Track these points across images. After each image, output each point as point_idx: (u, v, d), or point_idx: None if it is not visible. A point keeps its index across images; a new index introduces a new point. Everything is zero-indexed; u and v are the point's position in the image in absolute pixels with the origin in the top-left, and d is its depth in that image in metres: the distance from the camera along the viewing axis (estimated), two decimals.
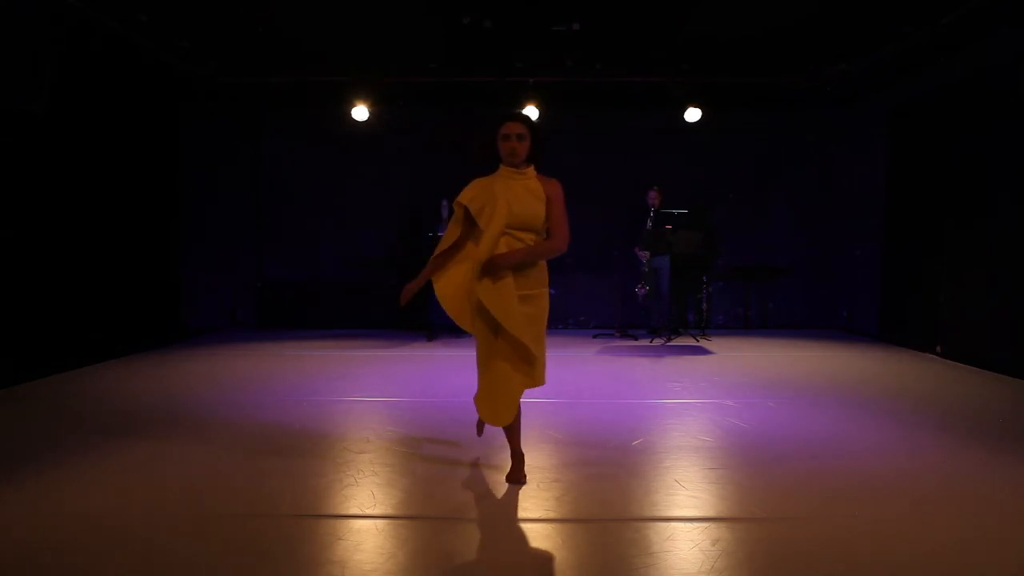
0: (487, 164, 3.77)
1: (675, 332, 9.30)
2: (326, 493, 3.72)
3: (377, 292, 10.46)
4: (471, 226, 3.67)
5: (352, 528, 3.28)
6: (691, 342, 9.14)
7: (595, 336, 9.78)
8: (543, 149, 3.74)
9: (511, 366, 3.59)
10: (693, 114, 9.58)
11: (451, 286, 3.73)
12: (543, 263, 3.72)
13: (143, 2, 6.80)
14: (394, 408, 5.61)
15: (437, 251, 3.73)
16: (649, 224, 9.26)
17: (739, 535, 3.18)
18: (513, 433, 3.82)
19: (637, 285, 9.57)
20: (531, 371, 3.63)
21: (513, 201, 3.59)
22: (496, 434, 4.23)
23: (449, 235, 3.71)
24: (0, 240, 6.23)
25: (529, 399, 5.75)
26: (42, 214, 6.75)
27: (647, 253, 9.27)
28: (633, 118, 10.34)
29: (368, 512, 3.44)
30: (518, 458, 3.86)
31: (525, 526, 3.31)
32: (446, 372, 7.18)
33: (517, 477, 3.82)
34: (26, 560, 2.95)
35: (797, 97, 9.69)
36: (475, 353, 3.74)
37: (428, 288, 3.83)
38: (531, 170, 3.70)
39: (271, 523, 3.31)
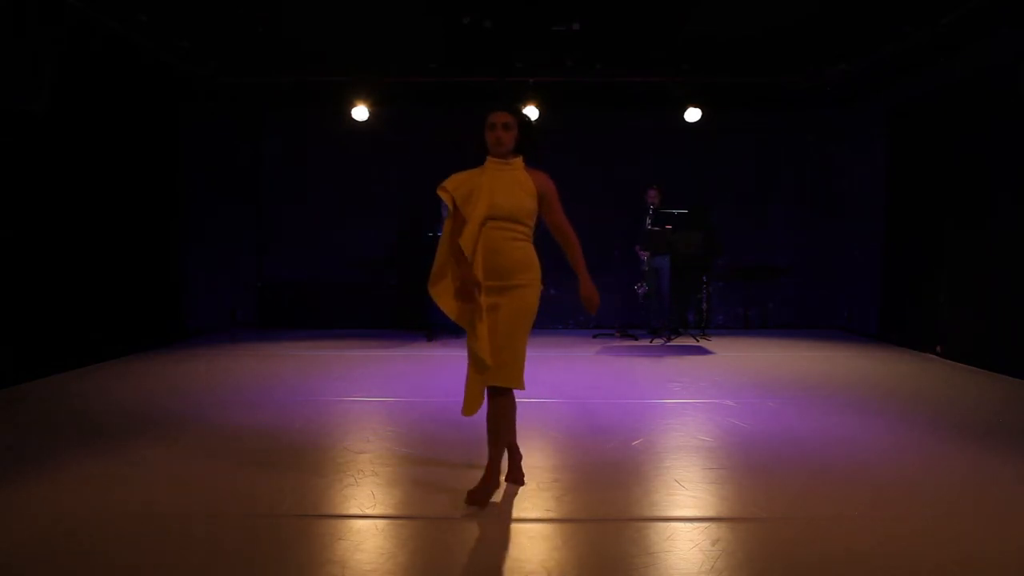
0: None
1: (675, 332, 9.29)
2: (326, 493, 3.72)
3: (377, 292, 10.47)
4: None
5: (352, 528, 3.28)
6: (691, 342, 9.13)
7: (595, 336, 9.78)
8: (534, 141, 3.67)
9: (473, 364, 3.53)
10: (693, 114, 9.58)
11: (449, 291, 3.65)
12: (532, 251, 3.61)
13: (143, 2, 6.80)
14: (394, 408, 5.61)
15: (440, 246, 3.67)
16: (648, 223, 9.26)
17: (739, 535, 3.18)
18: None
19: (636, 283, 9.57)
20: (491, 371, 3.48)
21: (497, 191, 3.53)
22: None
23: (447, 228, 3.64)
24: (0, 240, 6.23)
25: (530, 399, 5.78)
26: (42, 214, 6.74)
27: (647, 253, 9.28)
28: (633, 118, 10.33)
29: (368, 512, 3.44)
30: (512, 458, 3.84)
31: (525, 526, 3.31)
32: (446, 372, 7.17)
33: (515, 476, 3.81)
34: (25, 560, 2.94)
35: (797, 97, 9.69)
36: None
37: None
38: (518, 161, 3.66)
39: (271, 523, 3.31)
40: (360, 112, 9.44)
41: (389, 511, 3.47)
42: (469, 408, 3.54)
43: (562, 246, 3.74)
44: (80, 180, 7.31)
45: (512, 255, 3.54)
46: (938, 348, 7.87)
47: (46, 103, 6.47)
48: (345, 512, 3.48)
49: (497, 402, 3.58)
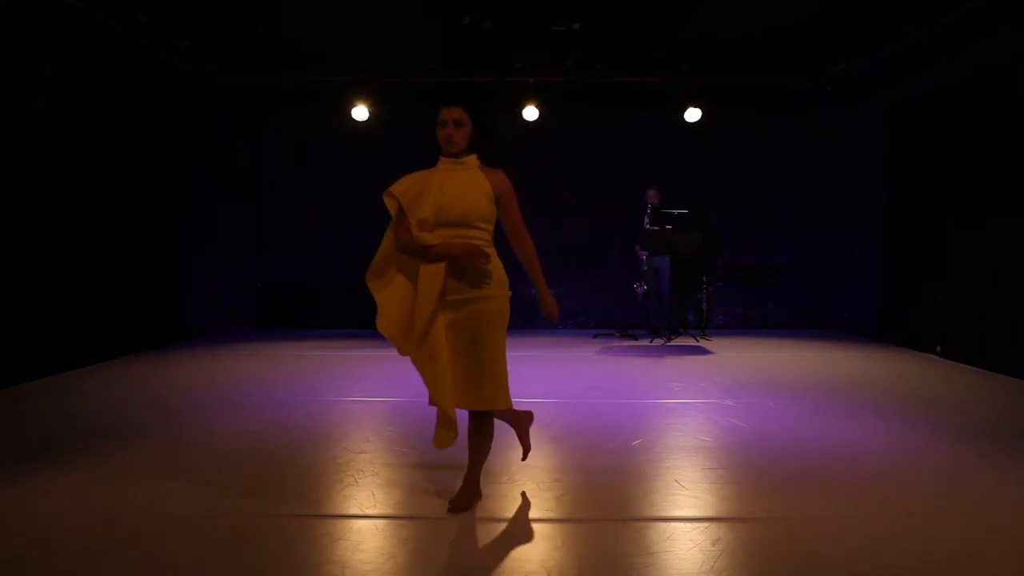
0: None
1: (675, 332, 9.29)
2: (326, 493, 3.72)
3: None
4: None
5: (352, 528, 3.28)
6: (691, 342, 9.13)
7: (595, 336, 9.77)
8: (493, 138, 3.43)
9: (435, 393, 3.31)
10: (693, 114, 9.58)
11: (393, 304, 3.39)
12: (495, 259, 3.33)
13: (143, 2, 6.80)
14: (394, 408, 5.61)
15: (379, 256, 3.40)
16: (647, 222, 9.26)
17: (739, 535, 3.18)
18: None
19: (635, 283, 9.57)
20: (471, 395, 3.30)
21: (446, 194, 3.27)
22: (497, 436, 4.21)
23: (389, 235, 3.39)
24: (0, 240, 6.23)
25: (530, 399, 5.78)
26: (42, 214, 6.75)
27: (647, 252, 9.28)
28: (633, 118, 10.33)
29: (368, 512, 3.44)
30: (519, 424, 3.67)
31: (525, 526, 3.31)
32: None
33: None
34: (23, 560, 2.94)
35: (797, 97, 9.70)
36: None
37: None
38: (472, 160, 3.38)
39: (271, 523, 3.31)
40: (360, 112, 9.44)
41: (389, 511, 3.47)
42: (440, 440, 3.28)
43: (517, 253, 3.44)
44: (80, 180, 7.31)
45: (462, 265, 3.25)
46: (938, 348, 7.87)
47: (46, 103, 6.47)
48: (345, 512, 3.48)
49: (480, 422, 3.42)
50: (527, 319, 10.40)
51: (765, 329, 10.62)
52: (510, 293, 3.40)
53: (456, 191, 3.29)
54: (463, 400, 3.32)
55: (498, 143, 3.50)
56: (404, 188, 3.35)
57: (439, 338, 3.28)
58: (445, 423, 3.29)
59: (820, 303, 10.75)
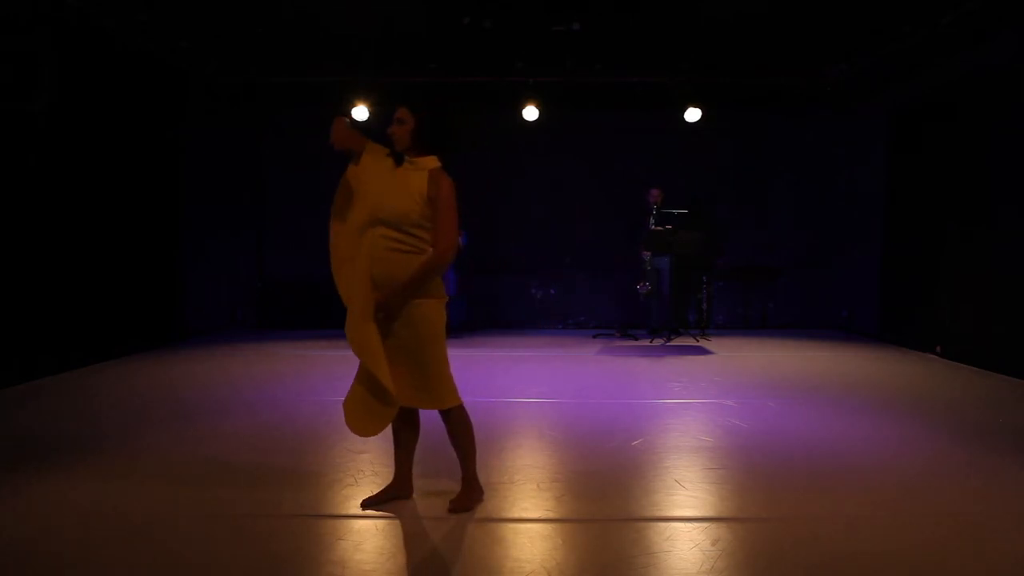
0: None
1: (675, 332, 9.29)
2: (326, 493, 3.72)
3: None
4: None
5: (352, 528, 3.28)
6: (691, 342, 9.13)
7: (595, 336, 9.77)
8: (443, 137, 3.38)
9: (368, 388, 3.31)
10: (693, 114, 9.59)
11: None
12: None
13: (143, 2, 6.81)
14: None
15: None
16: (651, 223, 9.26)
17: (739, 535, 3.18)
18: (458, 453, 3.52)
19: (638, 283, 9.57)
20: (418, 395, 3.32)
21: (388, 194, 3.29)
22: (494, 436, 4.23)
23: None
24: (0, 240, 6.23)
25: (531, 399, 5.79)
26: (42, 214, 6.74)
27: (649, 252, 9.28)
28: (633, 118, 10.34)
29: (368, 512, 3.44)
30: (467, 484, 3.54)
31: (525, 526, 3.31)
32: None
33: (465, 504, 3.47)
34: (22, 559, 2.94)
35: (797, 97, 9.70)
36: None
37: None
38: (424, 161, 3.35)
39: (271, 523, 3.31)
40: (360, 112, 9.44)
41: (389, 511, 3.47)
42: (359, 424, 3.32)
43: None
44: (80, 180, 7.30)
45: (389, 267, 3.25)
46: (938, 348, 7.87)
47: (46, 103, 6.46)
48: (345, 512, 3.48)
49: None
50: (528, 319, 10.41)
51: (765, 329, 10.62)
52: (447, 298, 3.40)
53: (396, 192, 3.29)
54: (408, 399, 3.33)
55: (454, 142, 3.39)
56: (374, 156, 3.42)
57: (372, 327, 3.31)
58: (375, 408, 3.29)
59: (820, 303, 10.74)
